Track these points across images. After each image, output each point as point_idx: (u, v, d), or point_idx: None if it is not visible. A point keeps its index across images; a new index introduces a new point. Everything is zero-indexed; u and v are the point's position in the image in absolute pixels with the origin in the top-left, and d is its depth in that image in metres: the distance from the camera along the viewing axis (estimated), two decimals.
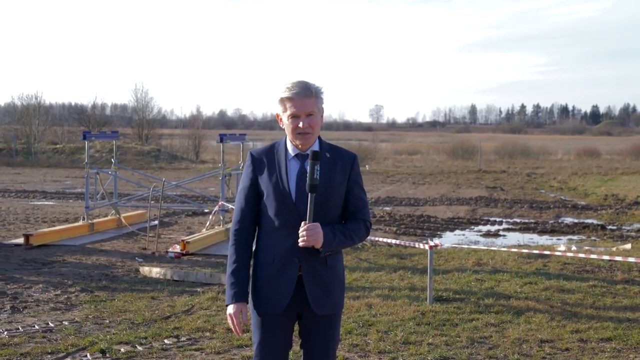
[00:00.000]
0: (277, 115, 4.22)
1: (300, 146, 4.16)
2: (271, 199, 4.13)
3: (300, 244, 4.01)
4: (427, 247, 9.74)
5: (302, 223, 4.02)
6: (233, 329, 4.18)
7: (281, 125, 4.22)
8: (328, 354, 4.28)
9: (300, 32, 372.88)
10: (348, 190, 4.24)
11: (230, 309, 4.15)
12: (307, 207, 4.02)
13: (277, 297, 4.14)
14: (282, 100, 4.13)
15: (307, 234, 3.99)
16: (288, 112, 4.11)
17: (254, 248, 4.28)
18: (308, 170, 4.03)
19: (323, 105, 4.21)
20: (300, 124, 4.09)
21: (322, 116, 4.22)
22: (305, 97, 4.09)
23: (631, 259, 9.22)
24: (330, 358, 4.30)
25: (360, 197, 4.30)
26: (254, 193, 4.21)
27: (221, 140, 16.10)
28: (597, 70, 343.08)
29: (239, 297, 4.15)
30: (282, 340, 4.23)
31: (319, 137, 4.23)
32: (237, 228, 4.23)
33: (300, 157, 4.17)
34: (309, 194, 4.00)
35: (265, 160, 4.20)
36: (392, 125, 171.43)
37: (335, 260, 4.24)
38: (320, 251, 4.06)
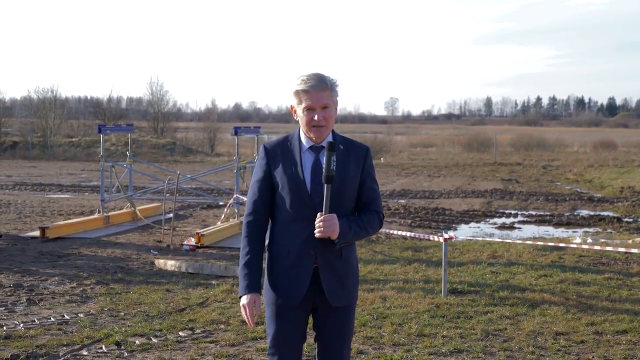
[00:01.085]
0: (292, 107, 4.20)
1: (314, 138, 4.14)
2: (286, 191, 4.10)
3: (317, 235, 4.00)
4: (441, 239, 9.71)
5: (319, 214, 4.01)
6: (246, 320, 4.17)
7: (295, 117, 4.20)
8: (343, 345, 4.27)
9: (315, 25, 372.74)
10: (361, 182, 4.23)
11: (244, 300, 4.13)
12: (322, 199, 4.01)
13: (294, 289, 4.13)
14: (298, 93, 4.10)
15: (324, 224, 3.97)
16: (303, 105, 4.08)
17: (267, 241, 4.27)
18: (324, 161, 4.01)
19: (338, 98, 4.19)
20: (316, 117, 4.07)
21: (336, 109, 4.20)
22: (321, 89, 4.06)
23: None
24: (345, 350, 4.29)
25: (373, 189, 4.29)
26: (267, 185, 4.18)
27: (236, 133, 16.12)
28: (613, 62, 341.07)
29: (252, 288, 4.12)
30: (297, 333, 4.22)
31: (332, 130, 4.21)
32: (249, 220, 4.21)
33: (315, 149, 4.15)
34: (325, 184, 3.99)
35: (279, 153, 4.17)
36: (407, 118, 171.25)
37: (349, 252, 4.24)
38: (336, 242, 4.05)
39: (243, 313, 4.16)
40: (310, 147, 4.16)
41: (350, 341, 4.36)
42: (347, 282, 4.21)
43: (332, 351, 4.25)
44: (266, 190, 4.19)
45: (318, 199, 4.04)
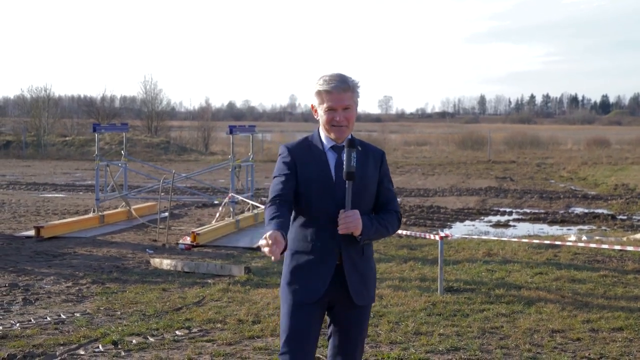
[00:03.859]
0: (312, 107, 4.23)
1: (334, 138, 4.16)
2: (312, 188, 4.10)
3: (341, 231, 4.00)
4: (437, 237, 9.72)
5: (341, 211, 4.01)
6: (268, 250, 3.69)
7: (316, 117, 4.23)
8: (357, 345, 4.27)
9: (309, 24, 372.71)
10: (379, 182, 4.27)
11: (270, 231, 3.76)
12: (345, 196, 4.03)
13: (315, 285, 4.10)
14: (320, 93, 4.13)
15: (347, 220, 3.97)
16: (325, 105, 4.11)
17: (290, 237, 4.17)
18: (345, 158, 4.03)
19: (358, 99, 4.22)
20: (337, 118, 4.10)
21: (357, 110, 4.23)
22: (343, 90, 4.09)
23: None
24: (359, 349, 4.30)
25: (390, 190, 4.34)
26: (293, 180, 4.11)
27: (231, 132, 16.10)
28: (606, 60, 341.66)
29: (279, 227, 3.83)
30: (313, 330, 4.17)
31: (351, 133, 4.24)
32: (276, 195, 4.04)
33: (336, 148, 4.18)
34: (347, 181, 4.01)
35: (302, 152, 4.18)
36: (401, 116, 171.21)
37: (370, 252, 4.27)
38: (359, 239, 4.06)
39: (265, 243, 3.69)
40: (332, 147, 4.18)
41: (364, 341, 4.38)
42: (368, 282, 4.23)
43: (347, 350, 4.24)
44: (291, 183, 4.09)
45: (342, 197, 4.05)
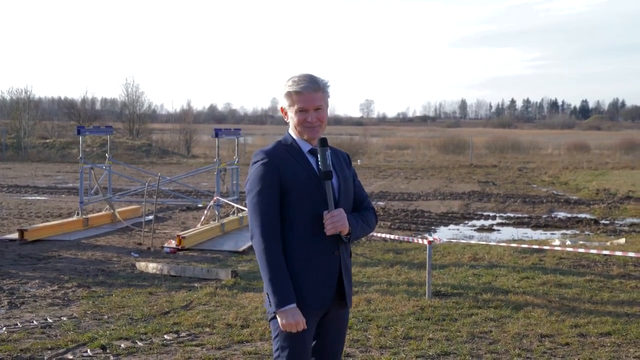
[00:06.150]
0: (282, 109, 4.09)
1: (308, 139, 4.02)
2: (305, 193, 3.93)
3: (329, 232, 3.89)
4: (425, 242, 9.73)
5: (325, 212, 3.91)
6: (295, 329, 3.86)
7: (286, 119, 4.09)
8: (342, 348, 4.22)
9: (291, 27, 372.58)
10: (353, 182, 4.21)
11: (292, 313, 3.83)
12: (333, 197, 3.94)
13: (325, 292, 3.98)
14: (290, 95, 3.99)
15: (334, 220, 3.88)
16: (296, 107, 3.98)
17: (288, 247, 3.98)
18: (320, 157, 3.94)
19: (329, 99, 4.11)
20: (309, 119, 3.98)
21: (327, 110, 4.12)
22: (313, 91, 3.97)
23: (631, 254, 9.24)
24: (341, 352, 4.24)
25: (362, 188, 4.31)
26: (277, 193, 3.93)
27: (216, 135, 16.05)
28: (587, 66, 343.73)
29: (294, 298, 3.86)
30: (311, 342, 4.05)
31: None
32: (266, 222, 3.91)
33: (313, 152, 4.05)
34: (325, 181, 3.92)
35: (285, 157, 3.98)
36: (383, 120, 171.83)
37: (350, 252, 4.21)
38: (347, 238, 4.00)
39: (291, 329, 3.85)
40: (310, 151, 4.04)
41: None
42: (351, 281, 4.19)
43: (333, 354, 4.17)
44: (277, 196, 3.94)
45: (331, 197, 3.95)
